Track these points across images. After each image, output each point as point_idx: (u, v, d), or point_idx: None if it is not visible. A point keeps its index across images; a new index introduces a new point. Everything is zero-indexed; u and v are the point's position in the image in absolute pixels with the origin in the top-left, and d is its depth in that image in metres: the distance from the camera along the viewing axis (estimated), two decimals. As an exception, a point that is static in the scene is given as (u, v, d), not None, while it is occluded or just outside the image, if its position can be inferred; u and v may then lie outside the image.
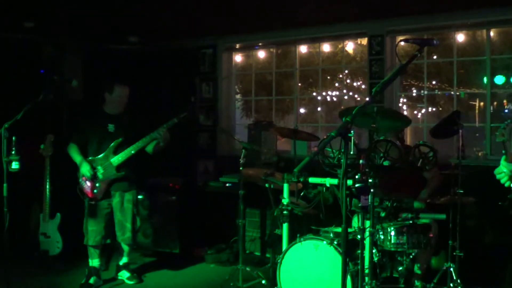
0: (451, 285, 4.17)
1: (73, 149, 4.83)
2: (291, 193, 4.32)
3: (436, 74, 7.35)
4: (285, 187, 4.24)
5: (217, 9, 6.56)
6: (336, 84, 8.95)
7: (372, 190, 3.30)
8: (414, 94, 8.01)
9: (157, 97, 7.01)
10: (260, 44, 6.87)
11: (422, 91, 6.42)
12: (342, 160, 2.67)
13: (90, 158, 4.79)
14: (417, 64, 6.16)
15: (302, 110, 8.57)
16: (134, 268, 5.24)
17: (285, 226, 4.23)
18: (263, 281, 4.75)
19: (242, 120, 7.74)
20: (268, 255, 5.76)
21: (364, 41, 6.23)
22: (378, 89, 2.47)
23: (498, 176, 2.95)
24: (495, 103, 7.18)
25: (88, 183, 4.74)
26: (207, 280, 5.17)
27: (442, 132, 4.53)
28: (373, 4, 5.70)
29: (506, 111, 7.53)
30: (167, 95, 7.07)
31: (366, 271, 3.38)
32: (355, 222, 4.20)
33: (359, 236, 3.16)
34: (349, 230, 3.85)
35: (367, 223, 3.40)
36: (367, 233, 3.38)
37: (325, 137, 2.46)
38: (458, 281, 4.14)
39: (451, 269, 4.21)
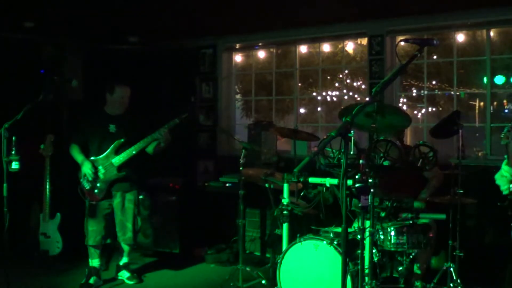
0: (451, 285, 4.17)
1: (74, 149, 4.84)
2: (291, 193, 4.31)
3: (436, 74, 7.35)
4: (285, 187, 4.24)
5: (217, 9, 6.57)
6: (336, 84, 8.94)
7: (372, 190, 3.29)
8: (414, 94, 8.00)
9: (157, 97, 7.01)
10: (260, 44, 6.87)
11: (422, 91, 6.42)
12: (342, 160, 2.67)
13: (91, 158, 4.80)
14: (417, 64, 6.16)
15: (302, 110, 8.57)
16: (134, 268, 5.24)
17: (285, 226, 4.23)
18: (263, 281, 4.75)
19: (242, 120, 7.73)
20: (268, 255, 5.76)
21: (364, 41, 6.23)
22: (378, 89, 2.47)
23: (498, 182, 2.95)
24: (495, 103, 7.17)
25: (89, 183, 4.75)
26: (207, 280, 5.17)
27: (442, 132, 4.53)
28: (373, 4, 5.70)
29: (506, 111, 7.53)
30: (167, 95, 7.07)
31: (366, 271, 3.38)
32: (356, 223, 4.20)
33: (359, 236, 3.16)
34: (349, 230, 3.85)
35: (367, 223, 3.40)
36: (367, 233, 3.38)
37: (325, 137, 2.46)
38: (458, 281, 4.14)
39: (451, 269, 4.21)
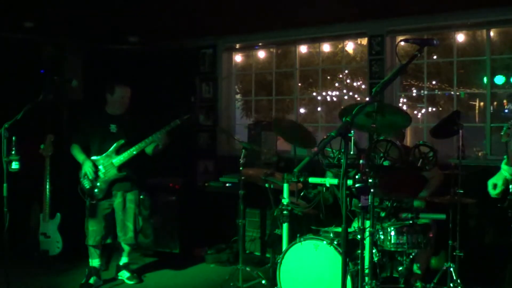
0: (451, 285, 4.17)
1: (75, 149, 4.84)
2: (291, 193, 4.31)
3: (436, 74, 7.35)
4: (285, 187, 4.24)
5: (217, 9, 6.57)
6: (336, 84, 8.95)
7: (372, 190, 3.30)
8: (414, 94, 8.01)
9: (157, 97, 7.01)
10: (260, 44, 6.87)
11: (422, 91, 6.42)
12: (342, 160, 2.67)
13: (92, 157, 4.80)
14: (417, 64, 6.16)
15: (302, 110, 8.57)
16: (134, 268, 5.24)
17: (285, 226, 4.23)
18: (263, 281, 4.75)
19: (242, 120, 7.74)
20: (268, 255, 5.76)
21: (364, 41, 6.23)
22: (378, 89, 2.47)
23: (491, 186, 2.95)
24: (495, 103, 7.18)
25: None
26: (207, 280, 5.17)
27: (442, 132, 4.53)
28: (373, 4, 5.70)
29: (506, 111, 7.53)
30: (167, 95, 7.07)
31: (366, 271, 3.38)
32: (356, 223, 4.20)
33: (359, 236, 3.16)
34: (349, 230, 3.85)
35: (367, 223, 3.40)
36: (367, 233, 3.38)
37: (325, 137, 2.45)
38: (458, 281, 4.14)
39: (451, 269, 4.21)
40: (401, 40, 2.76)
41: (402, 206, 4.02)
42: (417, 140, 4.13)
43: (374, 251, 3.68)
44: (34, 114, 4.09)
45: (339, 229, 3.86)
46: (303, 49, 6.67)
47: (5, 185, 3.83)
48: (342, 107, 7.42)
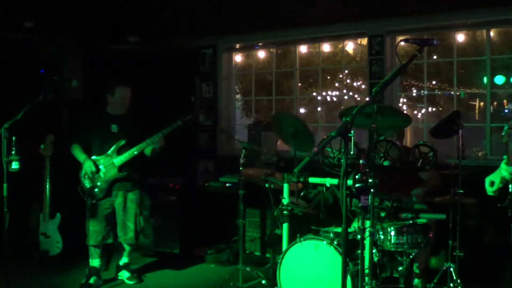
0: (451, 285, 4.17)
1: (76, 149, 4.84)
2: (291, 193, 4.31)
3: (436, 74, 7.34)
4: (285, 187, 4.24)
5: (217, 9, 6.57)
6: (336, 84, 8.94)
7: (372, 190, 3.30)
8: (414, 94, 8.00)
9: (157, 97, 7.01)
10: (260, 44, 6.87)
11: (422, 91, 6.42)
12: (342, 160, 2.67)
13: (93, 157, 4.81)
14: (417, 64, 6.16)
15: (302, 110, 8.56)
16: (134, 268, 5.24)
17: (285, 226, 4.23)
18: (263, 281, 4.75)
19: (242, 120, 7.73)
20: (268, 255, 5.76)
21: (364, 41, 6.23)
22: (378, 89, 2.47)
23: (488, 183, 2.95)
24: (495, 103, 7.17)
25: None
26: (207, 280, 5.17)
27: (442, 132, 4.53)
28: (373, 4, 5.71)
29: (506, 111, 7.52)
30: (167, 95, 7.07)
31: (366, 271, 3.38)
32: (356, 223, 4.20)
33: (359, 236, 3.16)
34: (349, 230, 3.85)
35: (367, 223, 3.40)
36: (367, 233, 3.38)
37: (325, 137, 2.45)
38: (458, 281, 4.14)
39: (451, 269, 4.21)
40: (401, 40, 2.76)
41: (402, 206, 4.02)
42: (417, 140, 4.14)
43: (374, 251, 3.68)
44: (34, 114, 4.09)
45: (339, 229, 3.86)
46: (303, 49, 6.66)
47: (5, 185, 3.83)
48: (342, 107, 7.45)
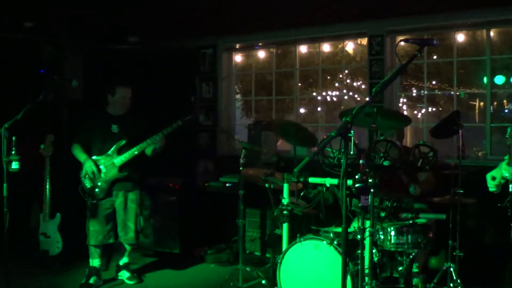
0: (451, 285, 4.17)
1: (77, 149, 4.85)
2: (291, 193, 4.31)
3: (436, 74, 7.34)
4: (285, 187, 4.24)
5: (217, 9, 6.57)
6: (336, 84, 8.93)
7: (372, 190, 3.30)
8: (414, 94, 8.00)
9: (157, 97, 7.01)
10: (260, 44, 6.87)
11: (422, 91, 6.42)
12: (342, 160, 2.67)
13: (93, 157, 4.81)
14: (417, 64, 6.15)
15: (302, 110, 8.55)
16: (134, 268, 5.24)
17: (285, 226, 4.23)
18: (263, 281, 4.75)
19: (242, 120, 7.73)
20: (268, 255, 5.76)
21: (364, 41, 6.23)
22: (378, 89, 2.47)
23: (490, 178, 2.96)
24: (495, 103, 7.16)
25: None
26: (207, 280, 5.17)
27: (442, 132, 4.53)
28: (373, 4, 5.71)
29: (506, 111, 7.52)
30: (167, 95, 7.08)
31: (366, 271, 3.38)
32: (356, 223, 4.20)
33: (359, 236, 3.16)
34: (349, 230, 3.85)
35: (367, 223, 3.40)
36: (367, 233, 3.38)
37: (325, 137, 2.46)
38: (458, 281, 4.14)
39: (451, 269, 4.21)
40: (401, 40, 2.76)
41: (402, 206, 4.02)
42: (417, 140, 4.14)
43: (374, 251, 3.68)
44: (34, 114, 4.09)
45: (339, 229, 3.86)
46: (303, 49, 6.67)
47: (5, 185, 3.83)
48: (342, 107, 7.45)
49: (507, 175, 2.88)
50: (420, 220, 3.89)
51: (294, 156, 4.87)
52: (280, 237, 4.30)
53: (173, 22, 6.86)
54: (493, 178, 2.99)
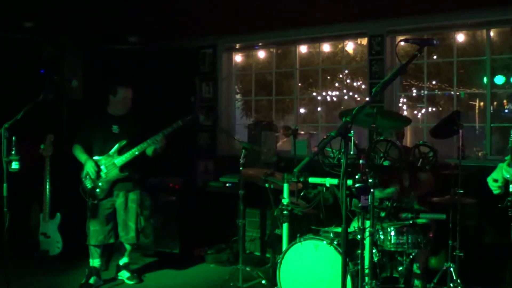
0: (451, 285, 4.17)
1: (78, 149, 4.85)
2: (291, 193, 4.31)
3: (436, 74, 7.35)
4: (285, 187, 4.24)
5: (217, 9, 6.57)
6: (336, 84, 8.95)
7: (372, 190, 3.30)
8: (414, 94, 8.01)
9: (157, 97, 7.01)
10: (260, 44, 6.87)
11: (422, 91, 6.42)
12: (342, 160, 2.67)
13: (94, 157, 4.81)
14: (417, 64, 6.16)
15: (302, 110, 8.58)
16: (134, 268, 5.24)
17: (285, 226, 4.23)
18: (263, 281, 4.75)
19: (242, 120, 7.74)
20: (268, 255, 5.76)
21: (364, 41, 6.23)
22: (378, 89, 2.47)
23: (491, 181, 2.96)
24: (495, 103, 7.16)
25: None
26: (207, 280, 5.17)
27: (442, 132, 4.53)
28: (373, 4, 5.70)
29: (506, 111, 7.52)
30: (167, 95, 7.08)
31: (366, 271, 3.38)
32: (356, 223, 4.20)
33: (359, 236, 3.16)
34: (349, 230, 3.85)
35: (367, 223, 3.40)
36: (367, 233, 3.38)
37: (325, 137, 2.46)
38: (458, 281, 4.14)
39: (451, 269, 4.21)
40: (401, 40, 2.75)
41: (402, 206, 4.02)
42: (417, 140, 4.14)
43: (374, 251, 3.68)
44: (34, 114, 4.08)
45: (339, 229, 3.86)
46: (303, 49, 6.67)
47: (5, 185, 3.83)
48: (342, 107, 7.45)
49: (507, 176, 2.88)
50: (420, 220, 3.89)
51: (294, 156, 4.87)
52: (280, 237, 4.30)
53: (173, 22, 6.86)
54: (495, 181, 2.98)
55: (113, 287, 4.96)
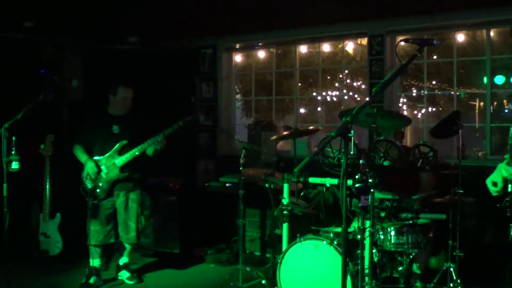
0: (451, 285, 4.17)
1: (78, 149, 4.85)
2: (291, 193, 4.31)
3: (436, 74, 7.35)
4: (285, 187, 4.24)
5: (217, 9, 6.57)
6: (336, 84, 8.94)
7: (372, 190, 3.30)
8: (414, 94, 8.00)
9: (157, 97, 7.01)
10: (260, 44, 6.87)
11: (422, 91, 6.42)
12: (342, 160, 2.67)
13: (94, 158, 4.81)
14: (417, 64, 6.16)
15: (302, 110, 8.56)
16: (134, 268, 5.24)
17: (285, 226, 4.23)
18: (263, 281, 4.75)
19: (242, 120, 7.73)
20: (268, 255, 5.76)
21: (364, 41, 6.23)
22: (378, 89, 2.47)
23: (491, 184, 2.96)
24: (495, 103, 7.16)
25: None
26: (207, 280, 5.17)
27: (442, 132, 4.53)
28: (373, 4, 5.71)
29: (506, 111, 7.52)
30: (167, 95, 7.07)
31: (366, 271, 3.38)
32: (356, 223, 4.20)
33: (359, 236, 3.16)
34: (349, 230, 3.85)
35: (367, 223, 3.40)
36: (367, 233, 3.38)
37: (325, 137, 2.46)
38: (458, 281, 4.14)
39: (451, 269, 4.21)
40: (401, 40, 2.76)
41: (402, 206, 4.02)
42: (417, 140, 4.14)
43: (374, 251, 3.68)
44: (34, 114, 4.09)
45: (339, 229, 3.86)
46: (303, 49, 6.67)
47: (5, 185, 3.83)
48: (342, 107, 7.45)
49: (506, 175, 2.88)
50: (420, 220, 3.89)
51: (294, 156, 4.87)
52: (280, 237, 4.30)
53: (173, 22, 6.86)
54: (495, 184, 2.98)
55: (113, 287, 4.96)
